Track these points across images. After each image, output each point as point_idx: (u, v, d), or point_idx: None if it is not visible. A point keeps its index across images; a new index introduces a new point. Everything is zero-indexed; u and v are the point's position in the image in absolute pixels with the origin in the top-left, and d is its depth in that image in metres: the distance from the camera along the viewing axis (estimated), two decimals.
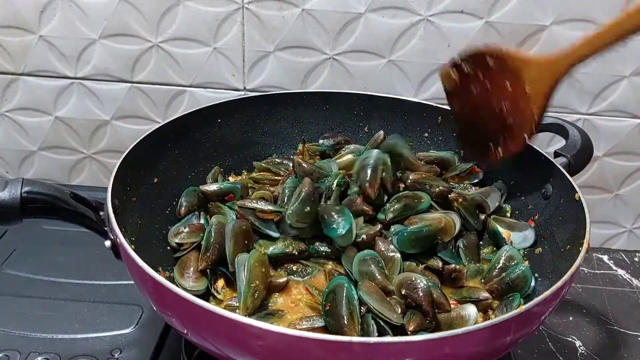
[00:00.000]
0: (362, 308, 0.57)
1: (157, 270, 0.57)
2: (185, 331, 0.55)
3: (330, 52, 0.89)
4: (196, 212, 0.72)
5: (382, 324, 0.55)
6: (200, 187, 0.75)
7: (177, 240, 0.68)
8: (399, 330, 0.55)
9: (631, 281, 0.89)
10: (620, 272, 0.91)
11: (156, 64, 0.92)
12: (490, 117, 0.69)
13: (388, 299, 0.59)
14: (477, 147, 0.73)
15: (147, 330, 0.73)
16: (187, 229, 0.69)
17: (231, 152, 0.83)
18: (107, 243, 0.60)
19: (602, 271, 0.91)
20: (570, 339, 0.78)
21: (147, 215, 0.71)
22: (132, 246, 0.57)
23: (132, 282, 0.59)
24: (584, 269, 0.91)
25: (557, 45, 0.85)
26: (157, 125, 0.75)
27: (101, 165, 1.02)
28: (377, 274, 0.61)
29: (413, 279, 0.59)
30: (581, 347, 0.76)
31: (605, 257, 0.94)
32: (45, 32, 0.91)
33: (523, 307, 0.50)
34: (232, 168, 0.83)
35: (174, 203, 0.74)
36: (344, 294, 0.57)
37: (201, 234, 0.68)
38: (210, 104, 0.81)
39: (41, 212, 0.58)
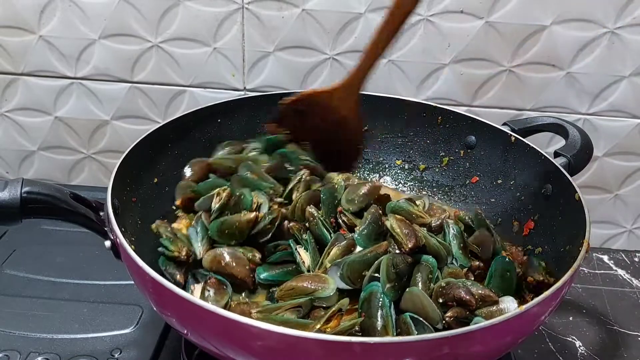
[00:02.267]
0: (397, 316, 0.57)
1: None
2: (185, 331, 0.55)
3: (330, 52, 0.89)
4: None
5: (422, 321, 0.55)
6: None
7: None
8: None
9: (631, 281, 0.89)
10: (620, 272, 0.91)
11: (156, 64, 0.92)
12: (330, 141, 0.78)
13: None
14: (328, 160, 0.79)
15: (147, 330, 0.73)
16: (212, 291, 0.63)
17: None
18: (107, 243, 0.60)
19: (602, 271, 0.91)
20: (570, 339, 0.78)
21: (147, 215, 0.71)
22: (132, 246, 0.57)
23: (132, 282, 0.59)
24: (584, 269, 0.91)
25: (557, 45, 0.85)
26: (157, 125, 0.75)
27: (101, 165, 1.02)
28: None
29: (447, 283, 0.59)
30: (581, 347, 0.76)
31: (605, 257, 0.94)
32: (45, 32, 0.91)
33: (523, 307, 0.50)
34: None
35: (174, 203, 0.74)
36: (379, 304, 0.56)
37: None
38: (210, 104, 0.81)
39: (41, 213, 0.58)
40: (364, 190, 0.69)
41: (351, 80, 0.73)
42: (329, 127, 0.77)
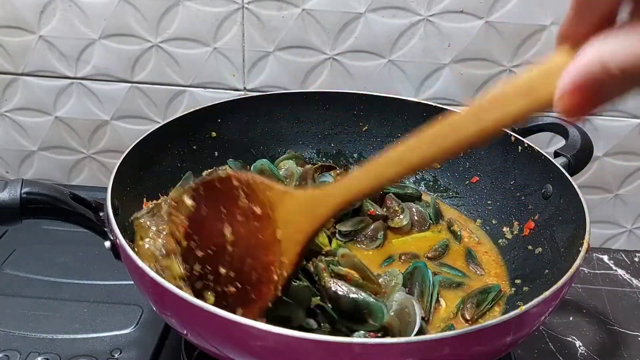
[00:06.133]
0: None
1: None
2: (185, 331, 0.55)
3: (330, 52, 0.89)
4: None
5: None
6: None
7: None
8: None
9: (631, 281, 0.89)
10: (620, 272, 0.91)
11: (156, 64, 0.92)
12: (233, 266, 0.50)
13: None
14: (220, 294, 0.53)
15: (147, 330, 0.73)
16: None
17: (231, 152, 0.83)
18: (107, 244, 0.60)
19: (602, 271, 0.91)
20: (570, 339, 0.78)
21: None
22: (132, 246, 0.57)
23: (132, 282, 0.59)
24: (584, 269, 0.91)
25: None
26: (157, 125, 0.75)
27: (101, 165, 1.02)
28: None
29: None
30: (581, 347, 0.76)
31: (605, 257, 0.94)
32: (45, 32, 0.91)
33: (523, 307, 0.50)
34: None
35: None
36: (421, 275, 0.65)
37: None
38: (210, 104, 0.81)
39: (41, 213, 0.58)
40: None
41: (329, 194, 0.45)
42: (237, 242, 0.50)
